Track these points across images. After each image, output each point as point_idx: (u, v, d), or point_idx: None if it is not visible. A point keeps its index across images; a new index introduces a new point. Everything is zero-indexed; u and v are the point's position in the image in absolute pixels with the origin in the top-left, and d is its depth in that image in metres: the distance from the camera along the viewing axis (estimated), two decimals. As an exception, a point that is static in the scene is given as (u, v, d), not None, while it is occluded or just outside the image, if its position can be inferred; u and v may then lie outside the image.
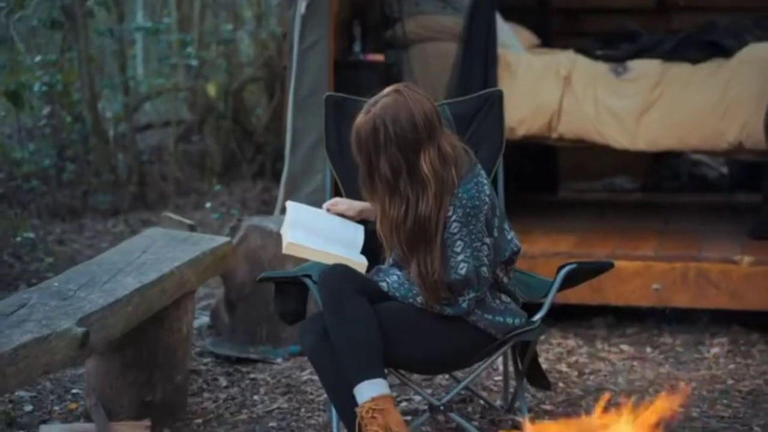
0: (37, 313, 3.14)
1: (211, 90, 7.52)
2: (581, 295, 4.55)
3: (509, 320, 3.35)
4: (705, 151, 5.73)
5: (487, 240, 3.27)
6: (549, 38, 6.56)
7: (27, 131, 6.66)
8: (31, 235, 5.76)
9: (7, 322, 3.06)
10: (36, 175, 6.59)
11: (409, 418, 3.69)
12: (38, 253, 5.74)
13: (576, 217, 5.96)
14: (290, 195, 4.84)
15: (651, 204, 6.51)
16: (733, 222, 5.55)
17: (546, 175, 6.85)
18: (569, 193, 6.91)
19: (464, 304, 3.26)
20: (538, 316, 3.42)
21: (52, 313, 3.14)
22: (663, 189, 6.85)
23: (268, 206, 6.72)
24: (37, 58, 6.51)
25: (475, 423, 3.70)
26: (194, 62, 7.27)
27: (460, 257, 3.22)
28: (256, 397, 4.04)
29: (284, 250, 3.43)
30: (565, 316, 4.81)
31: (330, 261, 3.36)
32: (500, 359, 3.93)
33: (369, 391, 3.13)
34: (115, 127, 7.35)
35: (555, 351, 4.58)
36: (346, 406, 3.19)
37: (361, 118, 3.25)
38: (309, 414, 3.87)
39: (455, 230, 3.22)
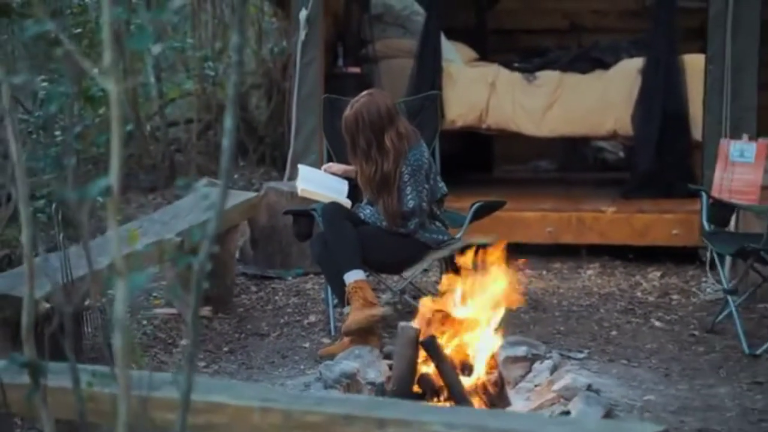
0: (150, 231, 5.11)
1: (223, 93, 9.40)
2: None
3: (440, 237, 5.29)
4: (590, 137, 7.76)
5: (426, 186, 5.21)
6: (485, 53, 8.40)
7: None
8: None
9: (134, 234, 5.04)
10: (89, 161, 8.48)
11: (378, 306, 5.67)
12: (105, 214, 7.64)
13: (502, 188, 7.77)
14: (294, 166, 6.79)
15: (562, 179, 8.35)
16: (614, 189, 7.33)
17: (483, 160, 8.67)
18: (501, 173, 8.75)
19: (411, 226, 5.19)
20: (458, 235, 5.40)
21: (160, 230, 5.12)
22: (573, 169, 8.67)
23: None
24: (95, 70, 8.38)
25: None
26: (212, 72, 9.18)
27: (409, 197, 5.16)
28: (276, 297, 6.02)
29: (299, 194, 5.43)
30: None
31: (327, 201, 5.33)
32: (438, 271, 5.91)
33: (353, 276, 5.02)
34: (149, 123, 9.25)
35: (479, 274, 6.57)
36: (339, 288, 5.07)
37: (348, 111, 5.16)
38: (312, 306, 5.86)
39: (406, 180, 5.13)
